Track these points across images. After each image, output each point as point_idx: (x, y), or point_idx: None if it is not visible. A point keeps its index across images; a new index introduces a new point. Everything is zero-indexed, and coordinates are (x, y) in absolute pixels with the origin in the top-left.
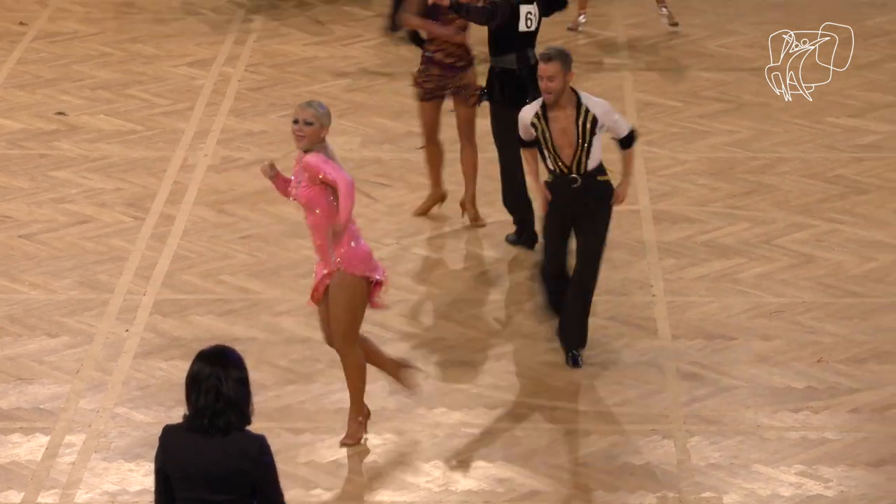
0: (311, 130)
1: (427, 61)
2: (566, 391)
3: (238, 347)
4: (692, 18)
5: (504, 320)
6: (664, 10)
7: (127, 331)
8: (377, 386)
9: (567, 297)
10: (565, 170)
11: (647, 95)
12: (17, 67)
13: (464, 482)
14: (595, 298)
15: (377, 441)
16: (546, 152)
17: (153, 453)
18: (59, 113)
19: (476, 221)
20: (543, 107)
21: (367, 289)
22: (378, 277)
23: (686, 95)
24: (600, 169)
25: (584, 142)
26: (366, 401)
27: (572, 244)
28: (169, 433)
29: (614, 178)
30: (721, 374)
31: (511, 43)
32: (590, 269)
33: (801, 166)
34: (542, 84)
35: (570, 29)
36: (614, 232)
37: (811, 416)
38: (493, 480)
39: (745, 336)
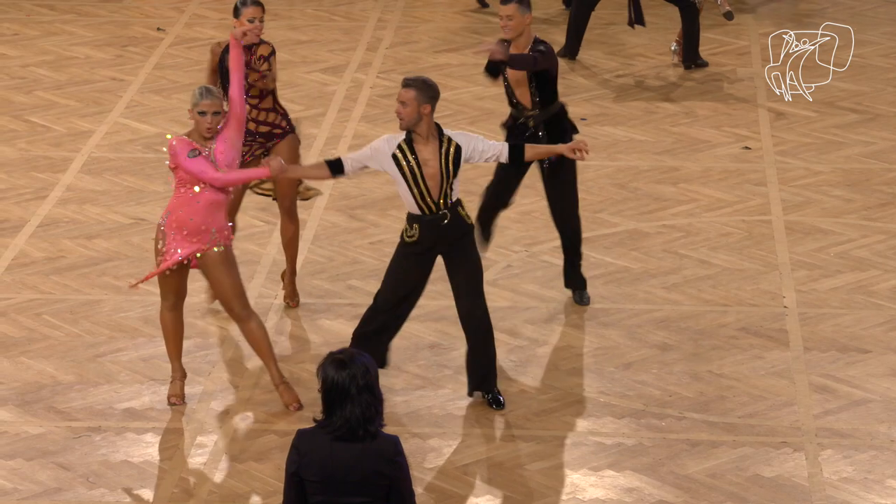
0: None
1: None
2: (696, 401)
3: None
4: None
5: (634, 329)
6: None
7: None
8: (506, 394)
9: (468, 340)
10: (433, 206)
11: (781, 105)
12: (153, 73)
13: (591, 491)
14: (726, 309)
15: (504, 448)
16: (413, 190)
17: (282, 455)
18: None
19: (290, 299)
20: (408, 142)
21: None
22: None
23: (821, 105)
24: (459, 202)
25: (447, 173)
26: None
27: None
28: (304, 437)
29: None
30: (854, 387)
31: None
32: (476, 301)
33: None
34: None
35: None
36: (745, 242)
37: None
38: (620, 490)
39: (880, 349)
